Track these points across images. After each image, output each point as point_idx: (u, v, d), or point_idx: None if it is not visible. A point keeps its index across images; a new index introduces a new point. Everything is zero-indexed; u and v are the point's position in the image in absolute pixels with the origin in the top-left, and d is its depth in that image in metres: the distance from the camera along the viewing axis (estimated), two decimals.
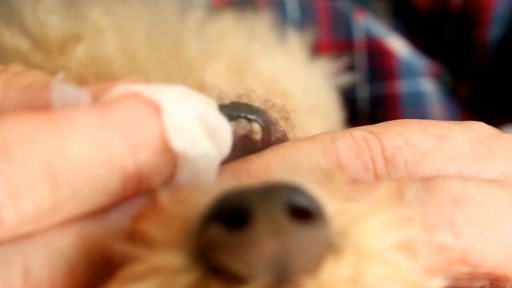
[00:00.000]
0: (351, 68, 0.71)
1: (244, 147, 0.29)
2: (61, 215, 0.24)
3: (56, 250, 0.24)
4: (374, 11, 0.72)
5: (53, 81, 0.26)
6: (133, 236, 0.24)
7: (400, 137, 0.28)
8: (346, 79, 0.69)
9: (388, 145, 0.28)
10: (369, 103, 0.71)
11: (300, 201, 0.22)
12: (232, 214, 0.22)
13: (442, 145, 0.29)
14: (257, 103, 0.30)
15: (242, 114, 0.29)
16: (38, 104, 0.26)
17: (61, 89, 0.25)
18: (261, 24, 0.64)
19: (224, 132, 0.26)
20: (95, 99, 0.25)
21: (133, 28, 0.55)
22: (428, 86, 0.70)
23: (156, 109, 0.25)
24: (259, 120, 0.30)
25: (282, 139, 0.30)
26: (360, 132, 0.28)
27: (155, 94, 0.25)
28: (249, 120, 0.29)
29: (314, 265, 0.22)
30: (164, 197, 0.24)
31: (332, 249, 0.23)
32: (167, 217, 0.24)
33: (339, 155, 0.28)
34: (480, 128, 0.30)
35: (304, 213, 0.22)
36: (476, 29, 0.68)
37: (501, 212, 0.26)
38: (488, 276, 0.27)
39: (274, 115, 0.30)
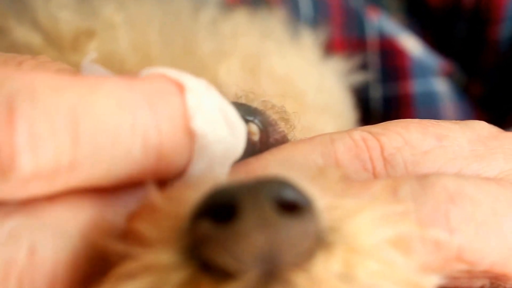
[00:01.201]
0: (363, 67, 0.70)
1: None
2: (77, 177, 0.23)
3: (64, 234, 0.23)
4: (387, 8, 0.72)
5: (85, 60, 0.26)
6: (127, 234, 0.24)
7: (400, 137, 0.28)
8: (359, 78, 0.69)
9: (387, 146, 0.28)
10: (382, 103, 0.71)
11: (289, 195, 0.22)
12: (221, 209, 0.22)
13: (442, 144, 0.28)
14: (255, 104, 0.30)
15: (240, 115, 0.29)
16: None
17: (92, 69, 0.25)
18: (274, 22, 0.64)
19: (240, 132, 0.26)
20: None
21: (146, 25, 0.55)
22: (441, 86, 0.70)
23: (181, 88, 0.25)
24: (256, 121, 0.29)
25: (281, 140, 0.30)
26: (359, 133, 0.28)
27: (180, 77, 0.25)
28: (247, 121, 0.29)
29: (303, 259, 0.22)
30: (156, 196, 0.24)
31: (323, 244, 0.22)
32: (159, 215, 0.24)
33: (338, 156, 0.28)
34: (480, 127, 0.30)
35: (293, 207, 0.22)
36: (488, 27, 0.68)
37: (499, 210, 0.26)
38: (487, 275, 0.27)
39: (273, 116, 0.30)
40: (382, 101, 0.71)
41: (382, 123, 0.29)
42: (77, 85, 0.23)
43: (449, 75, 0.70)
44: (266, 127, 0.30)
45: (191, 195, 0.24)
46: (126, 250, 0.23)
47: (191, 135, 0.25)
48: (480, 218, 0.26)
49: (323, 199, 0.24)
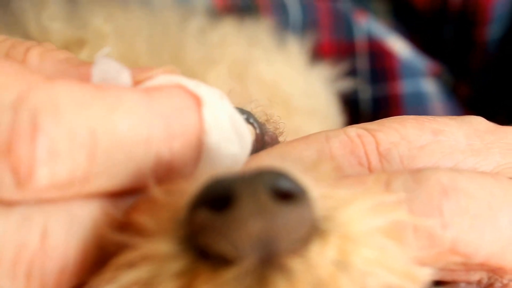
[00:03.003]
0: (352, 69, 0.71)
1: None
2: (89, 188, 0.24)
3: (77, 220, 0.24)
4: (374, 11, 0.72)
5: (100, 54, 0.26)
6: (127, 226, 0.25)
7: (396, 133, 0.28)
8: (347, 84, 0.69)
9: (383, 141, 0.28)
10: (371, 104, 0.72)
11: (284, 184, 0.23)
12: (218, 199, 0.22)
13: (438, 139, 0.28)
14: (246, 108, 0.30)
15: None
16: (75, 77, 0.25)
17: (106, 63, 0.25)
18: (261, 30, 0.64)
19: (247, 138, 0.27)
20: (135, 83, 0.26)
21: (134, 35, 0.56)
22: (429, 87, 0.70)
23: (197, 102, 0.25)
24: (251, 120, 0.30)
25: (275, 138, 0.30)
26: (355, 130, 0.28)
27: (197, 89, 0.26)
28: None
29: (299, 245, 0.22)
30: (155, 189, 0.25)
31: (318, 231, 0.23)
32: (158, 207, 0.24)
33: (333, 152, 0.28)
34: (477, 122, 0.30)
35: (288, 196, 0.22)
36: (475, 29, 0.68)
37: (494, 203, 0.26)
38: (483, 268, 0.27)
39: (262, 118, 0.30)
40: (371, 102, 0.72)
41: (378, 120, 0.29)
42: (99, 101, 0.23)
43: (437, 76, 0.71)
44: (260, 126, 0.30)
45: (188, 187, 0.24)
46: (126, 240, 0.24)
47: (201, 149, 0.26)
48: (474, 211, 0.26)
49: (317, 189, 0.24)
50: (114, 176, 0.24)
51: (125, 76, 0.26)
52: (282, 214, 0.22)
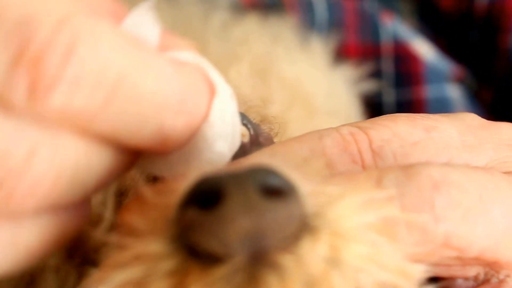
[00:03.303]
0: (377, 72, 0.70)
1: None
2: (87, 127, 0.24)
3: (63, 154, 0.24)
4: (400, 11, 0.72)
5: (141, 5, 0.26)
6: (118, 227, 0.25)
7: (388, 130, 0.28)
8: (371, 85, 0.69)
9: (376, 138, 0.28)
10: (395, 108, 0.71)
11: (273, 181, 0.23)
12: (207, 197, 0.22)
13: (431, 136, 0.28)
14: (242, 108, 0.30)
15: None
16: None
17: (141, 16, 0.25)
18: (285, 28, 0.64)
19: (237, 142, 0.27)
20: (161, 47, 0.26)
21: None
22: (453, 92, 0.70)
23: (211, 90, 0.25)
24: (244, 121, 0.30)
25: (270, 139, 0.30)
26: (347, 128, 0.28)
27: (214, 77, 0.26)
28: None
29: (289, 242, 0.22)
30: (145, 189, 0.25)
31: (308, 228, 0.23)
32: (148, 207, 0.24)
33: (326, 150, 0.28)
34: (470, 118, 0.30)
35: (278, 193, 0.22)
36: (499, 35, 0.67)
37: (486, 196, 0.26)
38: (478, 262, 0.27)
39: (256, 119, 0.30)
40: (395, 105, 0.71)
41: (370, 119, 0.29)
42: (135, 52, 0.23)
43: (461, 81, 0.70)
44: (254, 127, 0.30)
45: (178, 187, 0.24)
46: (118, 241, 0.24)
47: (197, 137, 0.26)
48: (466, 205, 0.26)
49: (307, 186, 0.24)
50: (117, 126, 0.24)
51: (154, 36, 0.25)
52: (271, 210, 0.22)
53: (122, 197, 0.37)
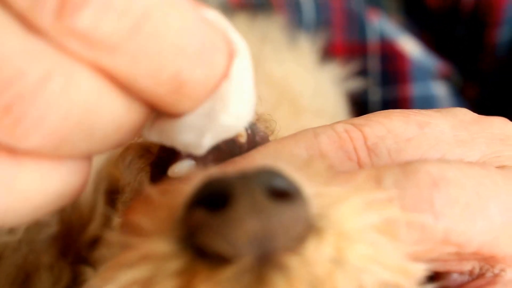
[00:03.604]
0: (364, 71, 0.71)
1: (229, 151, 0.29)
2: (111, 69, 0.23)
3: (75, 85, 0.23)
4: (386, 8, 0.72)
5: None
6: (125, 227, 0.25)
7: (382, 127, 0.28)
8: (357, 84, 0.69)
9: (370, 135, 0.28)
10: (381, 106, 0.71)
11: (279, 183, 0.23)
12: (215, 198, 0.22)
13: (424, 131, 0.29)
14: None
15: None
16: None
17: None
18: (273, 28, 0.64)
19: (252, 106, 0.27)
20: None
21: None
22: (439, 89, 0.70)
23: (232, 53, 0.25)
24: None
25: (266, 138, 0.30)
26: (342, 125, 0.29)
27: (238, 42, 0.25)
28: None
29: (296, 243, 0.23)
30: (151, 189, 0.25)
31: (313, 229, 0.23)
32: (154, 207, 0.25)
33: (322, 148, 0.28)
34: (462, 113, 0.30)
35: (284, 195, 0.23)
36: (486, 30, 0.68)
37: (484, 192, 0.26)
38: (476, 257, 0.27)
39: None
40: (381, 104, 0.72)
41: (364, 115, 0.30)
42: None
43: (447, 78, 0.71)
44: (252, 127, 0.30)
45: (184, 187, 0.24)
46: (125, 241, 0.24)
47: (212, 96, 0.25)
48: (464, 201, 0.26)
49: (311, 188, 0.24)
50: (135, 66, 0.23)
51: None
52: (278, 212, 0.22)
53: (113, 195, 0.36)
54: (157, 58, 0.23)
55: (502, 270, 0.28)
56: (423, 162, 0.26)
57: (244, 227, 0.22)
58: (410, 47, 0.70)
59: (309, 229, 0.23)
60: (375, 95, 0.72)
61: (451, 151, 0.29)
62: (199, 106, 0.25)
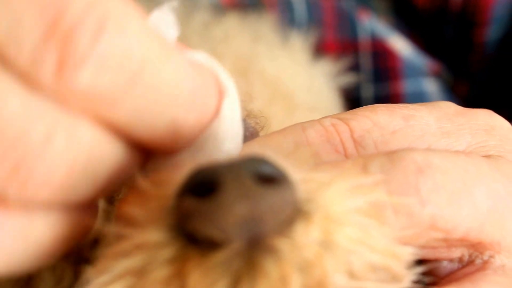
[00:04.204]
0: (355, 68, 0.71)
1: None
2: (111, 119, 0.23)
3: (79, 140, 0.23)
4: (375, 9, 0.73)
5: (164, 5, 0.26)
6: (118, 218, 0.25)
7: (368, 120, 0.29)
8: (349, 79, 0.70)
9: (357, 128, 0.29)
10: (374, 102, 0.72)
11: (266, 169, 0.23)
12: (204, 186, 0.23)
13: (410, 124, 0.29)
14: None
15: None
16: None
17: (162, 16, 0.26)
18: (265, 26, 0.65)
19: (241, 139, 0.28)
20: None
21: None
22: (430, 86, 0.70)
23: (222, 92, 0.26)
24: None
25: (256, 134, 0.31)
26: (329, 120, 0.29)
27: (226, 81, 0.26)
28: None
29: (284, 226, 0.23)
30: (143, 180, 0.25)
31: (301, 213, 0.24)
32: (146, 197, 0.25)
33: (309, 142, 0.28)
34: (446, 106, 0.31)
35: (271, 180, 0.23)
36: (474, 30, 0.68)
37: (469, 179, 0.27)
38: (463, 243, 0.27)
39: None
40: (373, 101, 0.72)
41: (351, 110, 0.30)
42: (160, 42, 0.23)
43: (437, 75, 0.71)
44: (242, 123, 0.31)
45: (174, 177, 0.25)
46: (118, 231, 0.24)
47: (205, 135, 0.26)
48: (450, 187, 0.26)
49: (298, 173, 0.25)
50: (133, 116, 0.24)
51: (172, 36, 0.26)
52: (266, 196, 0.23)
53: (115, 194, 0.37)
54: (153, 108, 0.24)
55: (491, 256, 0.28)
56: (408, 150, 0.27)
57: (233, 211, 0.22)
58: (401, 45, 0.71)
59: (297, 212, 0.23)
60: (367, 91, 0.72)
61: (437, 142, 0.29)
62: (192, 143, 0.26)
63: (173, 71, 0.24)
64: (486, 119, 0.31)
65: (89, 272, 0.25)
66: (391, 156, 0.27)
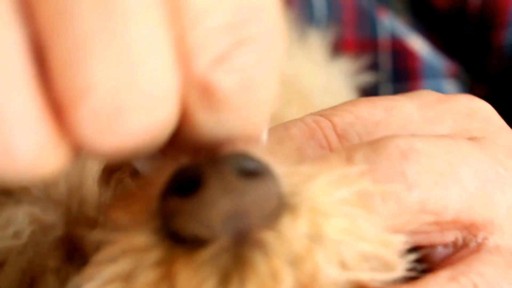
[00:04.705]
0: (374, 67, 0.71)
1: None
2: None
3: None
4: (393, 8, 0.72)
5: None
6: (105, 223, 0.25)
7: (350, 114, 0.29)
8: (368, 79, 0.69)
9: (339, 123, 0.29)
10: None
11: (249, 164, 0.23)
12: (187, 184, 0.23)
13: (392, 114, 0.29)
14: None
15: None
16: None
17: None
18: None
19: None
20: None
21: None
22: (449, 87, 0.70)
23: None
24: None
25: None
26: (311, 117, 0.29)
27: None
28: None
29: (270, 220, 0.23)
30: (129, 184, 0.25)
31: (287, 207, 0.23)
32: (133, 201, 0.25)
33: (293, 139, 0.29)
34: (427, 94, 0.31)
35: (254, 174, 0.23)
36: (492, 32, 0.67)
37: (454, 160, 0.27)
38: (456, 226, 0.27)
39: None
40: None
41: (332, 106, 0.30)
42: None
43: (456, 77, 0.71)
44: None
45: (158, 178, 0.24)
46: (105, 237, 0.24)
47: None
48: (436, 170, 0.26)
49: (281, 167, 0.25)
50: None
51: None
52: (250, 190, 0.22)
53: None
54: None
55: (485, 238, 0.28)
56: (391, 137, 0.27)
57: (217, 207, 0.22)
58: (420, 46, 0.70)
59: (283, 206, 0.23)
60: (386, 91, 0.72)
61: (420, 129, 0.29)
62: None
63: None
64: (468, 103, 0.31)
65: (77, 279, 0.24)
66: (375, 145, 0.27)
